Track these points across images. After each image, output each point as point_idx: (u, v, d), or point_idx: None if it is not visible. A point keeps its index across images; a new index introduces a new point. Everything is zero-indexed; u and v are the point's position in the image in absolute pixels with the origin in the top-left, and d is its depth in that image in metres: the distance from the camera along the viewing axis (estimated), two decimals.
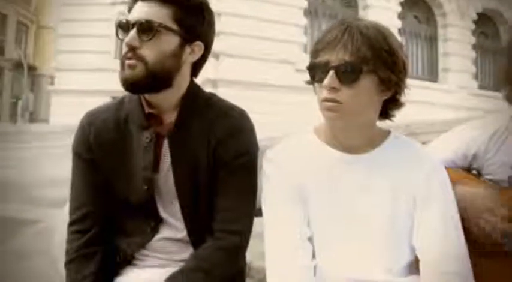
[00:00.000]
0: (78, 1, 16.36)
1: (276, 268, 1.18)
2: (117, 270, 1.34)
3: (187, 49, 1.27)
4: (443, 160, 1.36)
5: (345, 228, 1.19)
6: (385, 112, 1.24)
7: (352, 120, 1.17)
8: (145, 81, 1.21)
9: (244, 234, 1.29)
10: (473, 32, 16.29)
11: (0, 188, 6.16)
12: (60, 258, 1.34)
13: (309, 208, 1.21)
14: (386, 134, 1.26)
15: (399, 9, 14.76)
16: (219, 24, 11.26)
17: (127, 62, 1.21)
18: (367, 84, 1.13)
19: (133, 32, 1.21)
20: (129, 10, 1.27)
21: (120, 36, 1.24)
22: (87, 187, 1.32)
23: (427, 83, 14.50)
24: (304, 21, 13.19)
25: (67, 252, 1.31)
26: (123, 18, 1.24)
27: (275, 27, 12.24)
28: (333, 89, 1.12)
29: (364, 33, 1.13)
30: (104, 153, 1.31)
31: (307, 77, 1.24)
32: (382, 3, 14.20)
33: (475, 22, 16.32)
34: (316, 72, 1.17)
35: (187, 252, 1.32)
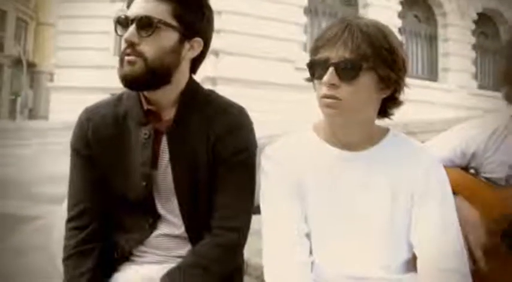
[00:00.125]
0: None
1: (273, 264, 1.19)
2: (115, 267, 1.34)
3: (187, 45, 1.27)
4: (442, 158, 1.36)
5: (343, 225, 1.20)
6: (384, 111, 1.24)
7: (351, 117, 1.17)
8: (144, 78, 1.21)
9: (242, 231, 1.29)
10: (473, 32, 16.29)
11: (0, 184, 6.16)
12: (59, 254, 1.34)
13: (307, 205, 1.22)
14: (385, 131, 1.27)
15: (399, 8, 14.76)
16: (219, 22, 11.25)
17: (126, 58, 1.21)
18: (366, 81, 1.13)
19: (132, 28, 1.21)
20: (128, 6, 1.27)
21: (119, 33, 1.24)
22: (85, 183, 1.32)
23: (427, 83, 14.51)
24: (304, 19, 13.19)
25: (65, 249, 1.31)
26: (121, 14, 1.24)
27: (275, 26, 12.23)
28: (332, 85, 1.12)
29: (365, 31, 1.13)
30: (102, 149, 1.31)
31: (306, 75, 1.24)
32: (382, 2, 14.20)
33: (475, 22, 16.33)
34: (315, 69, 1.17)
35: (185, 248, 1.32)
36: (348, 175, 1.21)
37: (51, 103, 17.50)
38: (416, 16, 15.74)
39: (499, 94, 1.46)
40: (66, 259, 1.30)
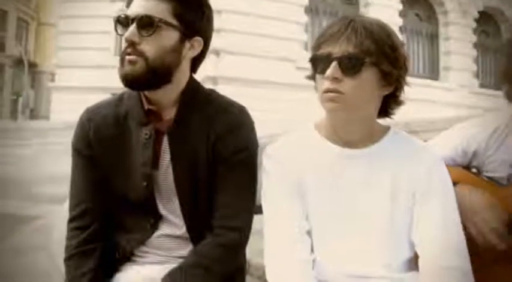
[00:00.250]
0: None
1: (275, 262, 1.19)
2: (116, 267, 1.34)
3: (187, 45, 1.27)
4: (443, 157, 1.36)
5: (344, 223, 1.20)
6: (385, 110, 1.25)
7: (353, 113, 1.17)
8: (145, 77, 1.20)
9: (243, 231, 1.29)
10: (475, 30, 16.27)
11: (0, 184, 6.16)
12: (59, 254, 1.34)
13: (309, 203, 1.22)
14: (386, 129, 1.27)
15: (400, 7, 14.75)
16: (220, 21, 11.25)
17: (127, 57, 1.21)
18: (369, 76, 1.14)
19: (132, 27, 1.20)
20: (128, 5, 1.26)
21: (120, 32, 1.23)
22: (86, 183, 1.32)
23: (428, 81, 14.50)
24: (305, 18, 13.18)
25: (66, 249, 1.30)
26: (122, 14, 1.24)
27: (275, 25, 12.23)
28: (335, 79, 1.12)
29: (368, 27, 1.14)
30: (104, 149, 1.30)
31: (307, 74, 1.25)
32: (383, 1, 14.19)
33: (476, 20, 16.30)
34: (318, 64, 1.17)
35: (186, 248, 1.32)
36: (349, 173, 1.21)
37: (52, 103, 17.53)
38: (417, 15, 15.73)
39: (500, 93, 1.45)
40: (67, 259, 1.30)
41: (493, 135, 1.41)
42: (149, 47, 1.20)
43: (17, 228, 4.28)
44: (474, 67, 16.13)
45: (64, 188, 1.45)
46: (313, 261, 1.19)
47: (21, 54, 26.18)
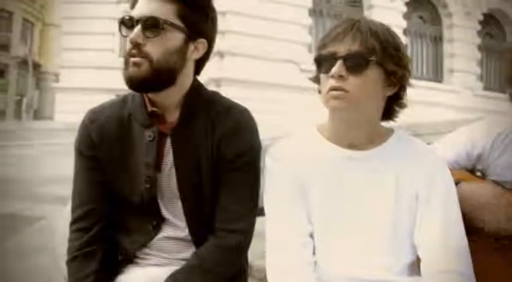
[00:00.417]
0: None
1: (276, 264, 1.19)
2: (118, 269, 1.34)
3: (191, 46, 1.27)
4: (447, 160, 1.36)
5: (347, 225, 1.20)
6: (388, 112, 1.25)
7: (357, 112, 1.17)
8: (149, 79, 1.20)
9: (246, 233, 1.29)
10: (479, 33, 16.22)
11: (3, 185, 6.18)
12: (61, 255, 1.34)
13: (311, 205, 1.22)
14: (389, 132, 1.27)
15: (404, 9, 14.72)
16: (224, 23, 11.26)
17: (132, 59, 1.20)
18: (373, 75, 1.15)
19: (137, 29, 1.20)
20: (132, 6, 1.26)
21: (124, 33, 1.23)
22: (89, 185, 1.32)
23: (432, 84, 14.46)
24: (309, 21, 13.17)
25: (69, 250, 1.30)
26: (126, 15, 1.23)
27: (280, 27, 12.22)
28: (340, 77, 1.13)
29: (372, 28, 1.16)
30: (106, 151, 1.30)
31: (311, 76, 1.25)
32: (387, 3, 14.17)
33: (481, 22, 16.26)
34: (323, 63, 1.18)
35: (189, 251, 1.32)
36: (352, 175, 1.21)
37: (56, 104, 17.58)
38: (421, 17, 15.70)
39: (504, 95, 1.45)
40: (70, 261, 1.29)
41: (498, 139, 1.41)
42: (154, 49, 1.20)
43: (20, 229, 4.28)
44: (478, 69, 16.08)
45: (67, 189, 1.45)
46: (315, 264, 1.19)
47: (26, 55, 26.30)
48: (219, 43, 10.90)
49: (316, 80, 1.24)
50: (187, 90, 1.30)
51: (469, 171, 1.46)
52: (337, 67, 1.13)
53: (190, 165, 1.28)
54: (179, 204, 1.30)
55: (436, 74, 15.60)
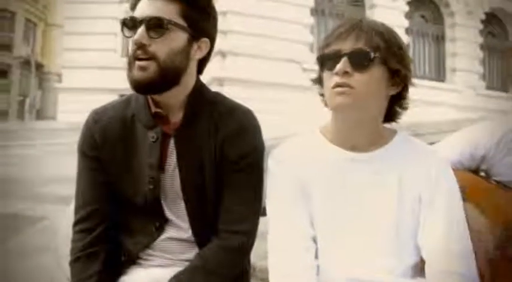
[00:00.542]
0: None
1: (279, 268, 1.18)
2: (122, 270, 1.33)
3: (195, 46, 1.27)
4: (451, 161, 1.35)
5: (350, 227, 1.19)
6: (390, 114, 1.24)
7: (361, 110, 1.16)
8: (156, 82, 1.19)
9: (249, 235, 1.29)
10: (481, 32, 16.18)
11: (5, 185, 6.19)
12: (64, 256, 1.34)
13: (314, 207, 1.21)
14: (392, 133, 1.26)
15: (406, 8, 14.69)
16: (226, 23, 11.26)
17: (138, 63, 1.19)
18: (378, 73, 1.15)
19: (141, 29, 1.19)
20: (132, 7, 1.25)
21: (127, 34, 1.22)
22: (92, 186, 1.32)
23: (434, 83, 14.43)
24: (311, 20, 13.16)
25: (72, 251, 1.30)
26: (128, 16, 1.23)
27: (281, 26, 12.21)
28: (345, 73, 1.13)
29: (376, 27, 1.17)
30: (110, 151, 1.30)
31: (313, 76, 1.25)
32: (389, 3, 14.14)
33: (483, 22, 16.22)
34: (327, 61, 1.18)
35: (192, 252, 1.31)
36: (355, 176, 1.20)
37: (58, 104, 17.61)
38: (423, 16, 15.67)
39: (506, 95, 1.45)
40: (73, 262, 1.29)
41: (502, 139, 1.41)
42: (159, 49, 1.19)
43: (22, 228, 4.29)
44: (480, 69, 16.04)
45: (69, 189, 1.45)
46: (318, 268, 1.18)
47: (29, 55, 26.33)
48: (221, 43, 10.91)
49: (318, 81, 1.24)
50: (191, 90, 1.30)
51: (472, 171, 1.46)
52: (342, 63, 1.13)
53: (193, 166, 1.28)
54: (182, 205, 1.30)
55: (438, 73, 15.57)
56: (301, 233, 1.19)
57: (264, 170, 1.31)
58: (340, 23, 1.21)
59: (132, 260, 1.34)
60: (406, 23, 14.39)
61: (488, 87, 15.88)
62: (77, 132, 1.38)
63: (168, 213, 1.32)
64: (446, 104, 13.60)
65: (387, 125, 1.27)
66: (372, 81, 1.14)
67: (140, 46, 1.19)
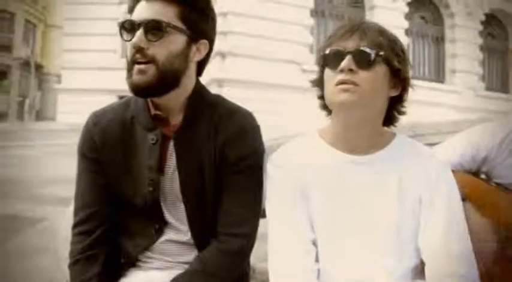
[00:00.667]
0: (85, 0, 16.47)
1: (279, 271, 1.18)
2: (121, 272, 1.33)
3: (194, 48, 1.26)
4: (451, 163, 1.35)
5: (350, 227, 1.19)
6: (389, 118, 1.25)
7: (364, 109, 1.16)
8: (156, 84, 1.19)
9: (249, 238, 1.28)
10: (481, 33, 16.18)
11: (5, 186, 6.18)
12: (64, 257, 1.34)
13: (314, 210, 1.21)
14: (391, 136, 1.26)
15: (406, 9, 14.69)
16: (226, 24, 11.26)
17: (137, 66, 1.19)
18: (381, 71, 1.16)
19: (139, 33, 1.18)
20: (130, 10, 1.24)
21: (125, 38, 1.21)
22: (91, 188, 1.32)
23: (434, 84, 14.43)
24: (310, 21, 13.16)
25: (71, 254, 1.30)
26: (126, 19, 1.22)
27: (281, 27, 12.20)
28: (350, 71, 1.13)
29: (379, 28, 1.19)
30: (109, 154, 1.30)
31: (313, 77, 1.24)
32: (389, 4, 14.14)
33: (483, 23, 16.22)
34: (330, 59, 1.18)
35: (191, 254, 1.31)
36: (355, 179, 1.20)
37: (58, 105, 17.61)
38: (423, 17, 15.67)
39: (506, 96, 1.45)
40: (72, 264, 1.29)
41: (504, 140, 1.41)
42: (158, 52, 1.19)
43: (21, 230, 4.27)
44: (480, 70, 16.03)
45: (69, 190, 1.44)
46: (318, 271, 1.18)
47: (28, 56, 26.33)
48: (221, 44, 10.90)
49: (318, 82, 1.23)
50: (190, 92, 1.30)
51: (473, 173, 1.45)
52: (347, 60, 1.13)
53: (193, 168, 1.28)
54: (182, 207, 1.30)
55: (438, 75, 15.57)
56: (301, 236, 1.19)
57: (263, 171, 1.31)
58: (341, 24, 1.22)
59: (132, 263, 1.34)
60: (406, 24, 14.39)
61: (488, 89, 15.87)
62: (76, 133, 1.37)
63: (168, 216, 1.31)
64: (445, 105, 13.60)
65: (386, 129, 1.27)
66: (376, 79, 1.15)
67: (139, 49, 1.18)
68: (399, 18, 14.08)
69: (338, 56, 1.15)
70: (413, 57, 14.27)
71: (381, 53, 1.14)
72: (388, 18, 12.44)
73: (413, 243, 1.19)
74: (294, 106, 10.91)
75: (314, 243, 1.20)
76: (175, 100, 1.28)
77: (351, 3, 14.40)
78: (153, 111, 1.29)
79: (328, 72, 1.19)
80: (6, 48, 26.75)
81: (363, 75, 1.14)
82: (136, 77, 1.19)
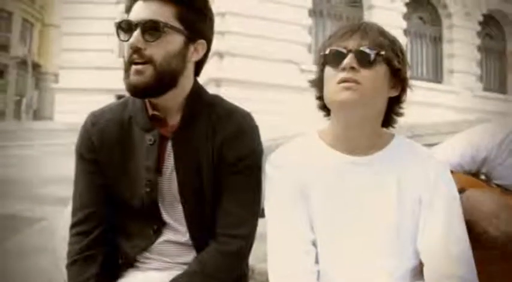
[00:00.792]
0: None
1: (279, 272, 1.18)
2: (119, 273, 1.33)
3: (191, 48, 1.26)
4: (450, 164, 1.35)
5: (350, 228, 1.19)
6: (387, 119, 1.25)
7: (365, 108, 1.16)
8: (153, 85, 1.19)
9: (247, 239, 1.28)
10: (479, 33, 16.22)
11: (3, 185, 6.16)
12: (62, 257, 1.34)
13: (313, 211, 1.21)
14: (390, 137, 1.26)
15: (404, 9, 14.71)
16: (223, 24, 11.25)
17: (134, 67, 1.18)
18: (382, 70, 1.16)
19: (137, 33, 1.18)
20: (127, 10, 1.24)
21: (122, 38, 1.21)
22: (89, 188, 1.31)
23: (432, 84, 14.46)
24: (309, 21, 13.16)
25: (69, 254, 1.29)
26: (123, 19, 1.21)
27: (279, 27, 12.20)
28: (352, 69, 1.14)
29: (379, 28, 1.20)
30: (107, 154, 1.29)
31: (311, 76, 1.24)
32: (387, 4, 14.16)
33: (480, 23, 16.25)
34: (331, 58, 1.18)
35: (190, 255, 1.31)
36: (354, 180, 1.20)
37: (55, 104, 17.57)
38: (421, 18, 15.69)
39: (504, 96, 1.45)
40: (70, 265, 1.28)
41: (504, 141, 1.41)
42: (155, 52, 1.18)
43: (20, 229, 4.27)
44: (478, 70, 16.07)
45: (67, 190, 1.44)
46: (318, 272, 1.18)
47: (25, 55, 26.28)
48: (219, 44, 10.88)
49: (317, 82, 1.23)
50: (188, 93, 1.29)
51: (472, 174, 1.45)
52: (349, 58, 1.14)
53: (191, 168, 1.27)
54: (180, 208, 1.30)
55: (436, 75, 15.59)
56: (301, 237, 1.19)
57: (262, 171, 1.31)
58: (341, 25, 1.23)
59: (130, 263, 1.34)
60: (404, 24, 14.42)
61: (486, 89, 15.92)
62: (74, 132, 1.37)
63: (166, 216, 1.31)
64: (443, 105, 13.63)
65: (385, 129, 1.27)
66: (377, 78, 1.16)
67: (136, 50, 1.18)
68: (397, 19, 14.10)
69: (339, 55, 1.16)
70: (411, 58, 14.28)
71: (382, 52, 1.15)
72: (386, 18, 12.45)
73: (412, 244, 1.18)
74: (292, 106, 10.91)
75: (314, 244, 1.20)
76: (173, 100, 1.27)
77: (349, 3, 14.40)
78: (150, 112, 1.28)
79: (329, 70, 1.18)
80: (4, 47, 26.66)
81: (364, 74, 1.14)
82: (133, 78, 1.18)
